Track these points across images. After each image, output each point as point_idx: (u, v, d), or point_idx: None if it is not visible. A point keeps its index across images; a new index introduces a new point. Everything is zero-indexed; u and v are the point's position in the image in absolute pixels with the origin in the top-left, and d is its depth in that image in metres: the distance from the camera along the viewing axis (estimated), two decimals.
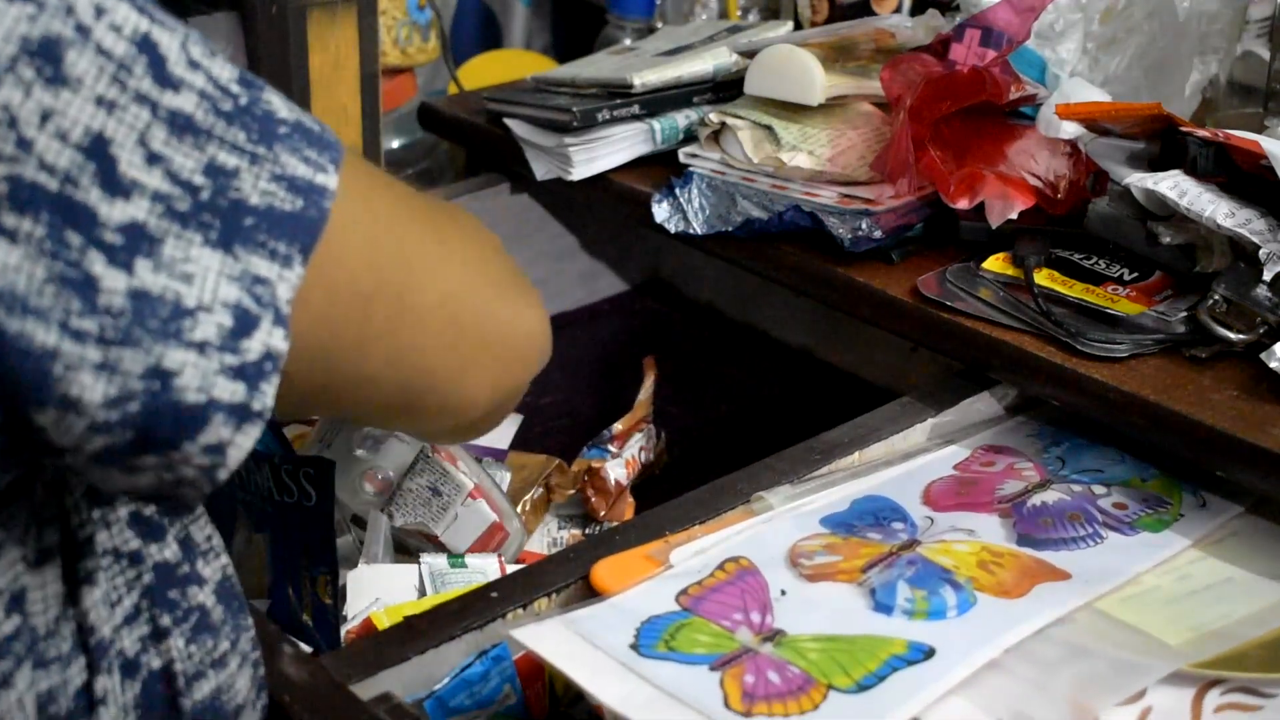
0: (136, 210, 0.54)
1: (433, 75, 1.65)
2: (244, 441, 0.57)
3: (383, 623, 0.82)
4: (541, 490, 1.13)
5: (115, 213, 0.54)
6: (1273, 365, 0.87)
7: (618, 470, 1.15)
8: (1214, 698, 0.74)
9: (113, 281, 0.53)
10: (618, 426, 1.20)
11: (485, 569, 0.93)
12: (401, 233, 0.67)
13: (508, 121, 1.25)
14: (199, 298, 0.55)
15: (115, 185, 0.54)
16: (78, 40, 0.53)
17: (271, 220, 0.57)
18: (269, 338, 0.57)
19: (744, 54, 1.19)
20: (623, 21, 1.58)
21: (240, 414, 0.57)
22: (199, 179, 0.56)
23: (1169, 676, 0.75)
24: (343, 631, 0.87)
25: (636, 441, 1.19)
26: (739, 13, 1.55)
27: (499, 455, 1.12)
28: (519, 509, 1.07)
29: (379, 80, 1.26)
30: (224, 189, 0.56)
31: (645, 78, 1.20)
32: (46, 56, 0.52)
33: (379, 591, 0.90)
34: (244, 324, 0.56)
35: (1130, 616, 0.79)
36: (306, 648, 0.83)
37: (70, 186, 0.53)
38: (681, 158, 1.18)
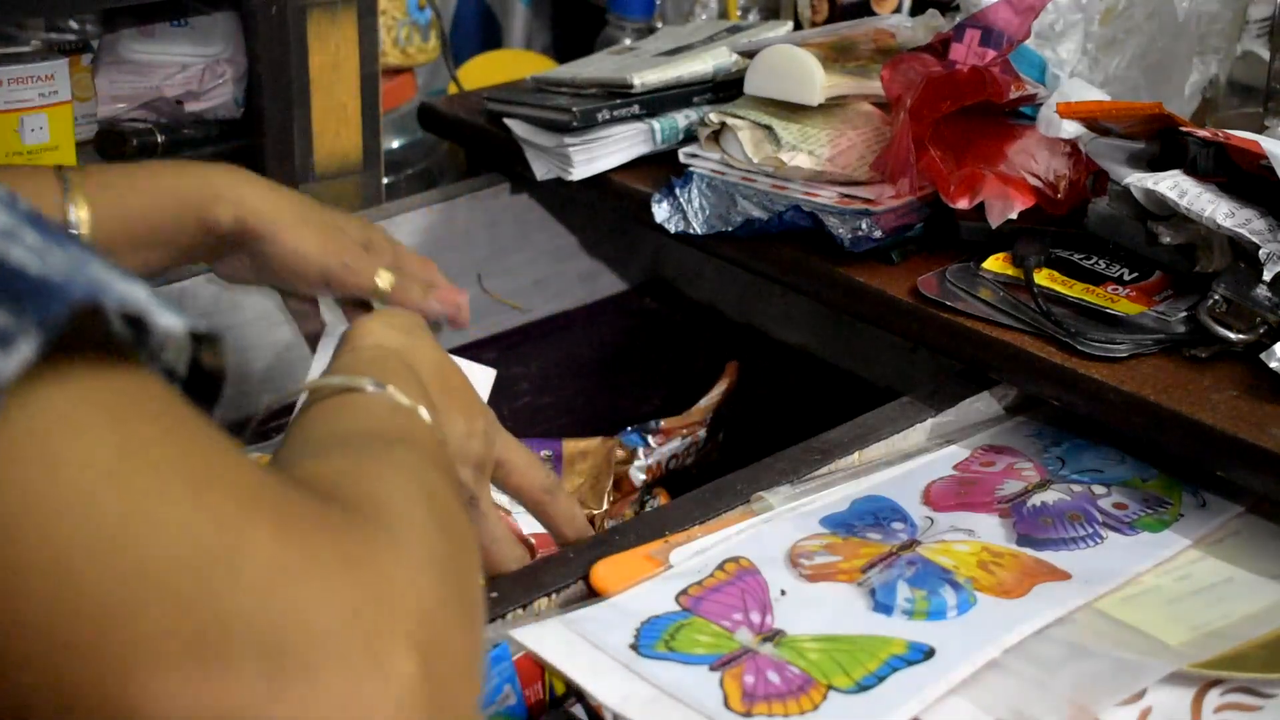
0: None
1: (433, 75, 1.65)
2: None
3: None
4: (611, 477, 1.11)
5: None
6: (1273, 365, 0.87)
7: (637, 474, 1.14)
8: (1214, 698, 0.74)
9: None
10: (668, 421, 1.19)
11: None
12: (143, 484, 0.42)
13: (508, 121, 1.25)
14: None
15: None
16: None
17: None
18: None
19: (744, 54, 1.19)
20: (623, 21, 1.58)
21: None
22: None
23: (1169, 676, 0.75)
24: None
25: (674, 446, 1.18)
26: (739, 13, 1.55)
27: (555, 449, 1.12)
28: (604, 501, 1.06)
29: (379, 80, 1.26)
30: None
31: (645, 78, 1.20)
32: None
33: None
34: None
35: (1130, 616, 0.79)
36: None
37: None
38: (681, 158, 1.18)
